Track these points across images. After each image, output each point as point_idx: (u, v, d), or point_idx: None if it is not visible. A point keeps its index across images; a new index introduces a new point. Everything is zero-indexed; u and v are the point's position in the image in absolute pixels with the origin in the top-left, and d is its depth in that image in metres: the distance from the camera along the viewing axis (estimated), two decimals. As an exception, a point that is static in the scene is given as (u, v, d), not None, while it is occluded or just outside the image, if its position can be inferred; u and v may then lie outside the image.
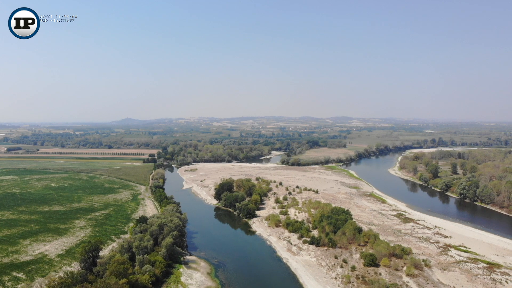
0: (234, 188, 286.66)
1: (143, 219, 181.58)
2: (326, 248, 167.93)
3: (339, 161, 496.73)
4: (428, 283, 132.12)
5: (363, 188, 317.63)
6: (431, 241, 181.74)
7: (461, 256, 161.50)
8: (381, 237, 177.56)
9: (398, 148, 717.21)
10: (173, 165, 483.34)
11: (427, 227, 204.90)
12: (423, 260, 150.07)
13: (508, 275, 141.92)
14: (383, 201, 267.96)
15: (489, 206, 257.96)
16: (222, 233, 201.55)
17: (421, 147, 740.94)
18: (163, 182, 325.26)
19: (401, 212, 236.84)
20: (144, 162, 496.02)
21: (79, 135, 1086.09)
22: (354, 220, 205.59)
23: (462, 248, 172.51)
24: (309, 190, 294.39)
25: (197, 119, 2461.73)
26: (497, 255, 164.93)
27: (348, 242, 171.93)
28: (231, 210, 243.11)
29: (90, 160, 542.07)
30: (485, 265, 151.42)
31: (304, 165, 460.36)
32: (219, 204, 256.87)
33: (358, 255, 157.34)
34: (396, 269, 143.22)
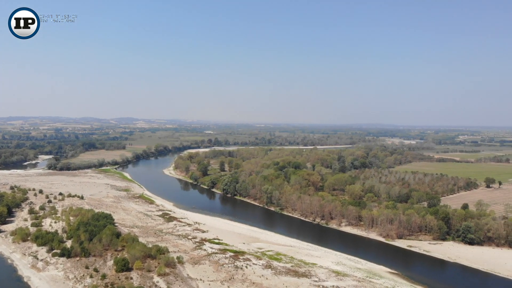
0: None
1: None
2: (78, 258, 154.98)
3: (115, 163, 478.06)
4: (177, 280, 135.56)
5: (134, 190, 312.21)
6: (190, 237, 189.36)
7: (213, 248, 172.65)
8: (141, 239, 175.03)
9: (178, 148, 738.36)
10: None
11: (188, 224, 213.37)
12: (177, 258, 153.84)
13: (249, 260, 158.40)
14: (152, 202, 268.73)
15: (246, 199, 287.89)
16: None
17: (198, 147, 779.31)
18: None
19: (167, 212, 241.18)
20: None
21: None
22: (116, 224, 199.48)
23: (215, 240, 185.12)
24: (74, 196, 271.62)
25: None
26: (244, 243, 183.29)
27: (104, 249, 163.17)
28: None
29: None
30: (232, 254, 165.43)
31: (75, 169, 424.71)
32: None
33: (112, 262, 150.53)
34: (149, 271, 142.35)
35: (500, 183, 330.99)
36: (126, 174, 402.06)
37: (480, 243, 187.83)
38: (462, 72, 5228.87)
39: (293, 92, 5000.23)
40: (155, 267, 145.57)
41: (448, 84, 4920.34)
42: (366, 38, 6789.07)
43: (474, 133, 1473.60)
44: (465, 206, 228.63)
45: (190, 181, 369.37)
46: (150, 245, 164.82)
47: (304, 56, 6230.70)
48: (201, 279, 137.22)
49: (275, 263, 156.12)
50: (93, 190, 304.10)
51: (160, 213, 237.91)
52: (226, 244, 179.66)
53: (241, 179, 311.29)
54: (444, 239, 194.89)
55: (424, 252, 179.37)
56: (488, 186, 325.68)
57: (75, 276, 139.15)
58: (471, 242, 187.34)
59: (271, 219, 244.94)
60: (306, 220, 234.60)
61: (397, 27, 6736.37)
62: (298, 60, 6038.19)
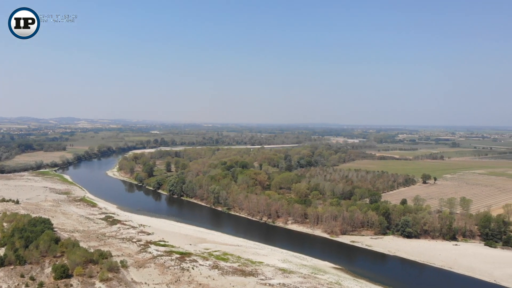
0: None
1: None
2: (12, 267, 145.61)
3: (55, 165, 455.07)
4: (121, 285, 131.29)
5: (75, 193, 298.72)
6: (134, 240, 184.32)
7: (158, 251, 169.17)
8: (82, 244, 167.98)
9: (122, 149, 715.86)
10: None
11: (132, 227, 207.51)
12: (121, 262, 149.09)
13: (196, 261, 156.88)
14: (94, 205, 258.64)
15: (192, 200, 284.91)
16: None
17: (144, 148, 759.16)
18: None
19: (110, 215, 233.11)
20: None
21: None
22: (55, 229, 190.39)
23: (161, 243, 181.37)
24: (8, 201, 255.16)
25: None
26: (190, 244, 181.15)
27: (42, 255, 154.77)
28: None
29: None
30: (178, 255, 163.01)
31: (9, 172, 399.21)
32: None
33: (50, 269, 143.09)
34: (91, 276, 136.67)
35: (435, 179, 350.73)
36: (67, 177, 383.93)
37: (417, 236, 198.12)
38: (400, 74, 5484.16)
39: (241, 92, 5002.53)
40: (97, 272, 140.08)
41: (388, 86, 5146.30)
42: (311, 40, 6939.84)
43: (413, 132, 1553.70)
44: (403, 202, 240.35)
45: (135, 182, 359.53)
46: (92, 250, 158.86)
47: (251, 56, 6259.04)
48: (146, 283, 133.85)
49: (222, 263, 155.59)
50: (30, 194, 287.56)
51: (103, 216, 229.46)
52: (172, 246, 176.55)
53: (188, 179, 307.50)
54: (385, 234, 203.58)
55: (366, 247, 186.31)
56: (424, 182, 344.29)
57: (8, 286, 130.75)
58: (409, 236, 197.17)
59: (218, 219, 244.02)
60: (253, 219, 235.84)
61: (343, 29, 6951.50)
62: (246, 60, 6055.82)
